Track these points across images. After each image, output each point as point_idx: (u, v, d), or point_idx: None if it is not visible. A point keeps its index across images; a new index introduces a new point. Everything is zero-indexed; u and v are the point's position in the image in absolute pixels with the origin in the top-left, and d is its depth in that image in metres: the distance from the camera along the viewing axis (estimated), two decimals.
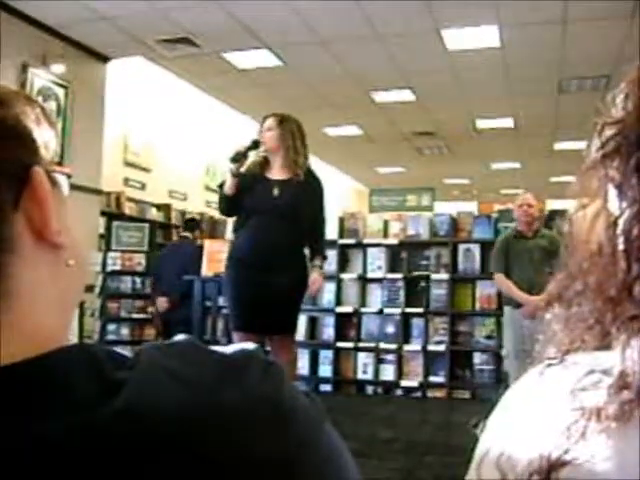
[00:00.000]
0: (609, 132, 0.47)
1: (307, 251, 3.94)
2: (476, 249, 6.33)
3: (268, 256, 3.66)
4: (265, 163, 3.85)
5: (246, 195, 3.76)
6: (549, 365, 0.49)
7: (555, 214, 5.97)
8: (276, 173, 3.81)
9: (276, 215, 3.69)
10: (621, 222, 0.45)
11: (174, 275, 6.08)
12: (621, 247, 0.45)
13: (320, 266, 3.92)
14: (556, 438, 0.43)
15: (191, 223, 7.12)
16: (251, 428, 0.46)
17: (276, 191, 3.74)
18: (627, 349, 0.44)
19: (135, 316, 7.45)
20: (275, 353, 3.83)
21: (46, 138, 0.54)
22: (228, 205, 3.87)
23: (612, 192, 0.46)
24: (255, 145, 3.82)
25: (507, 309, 4.98)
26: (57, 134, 0.57)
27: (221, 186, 3.90)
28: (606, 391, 0.43)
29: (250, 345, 0.52)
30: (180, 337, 0.54)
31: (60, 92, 6.85)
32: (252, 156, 3.87)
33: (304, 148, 3.87)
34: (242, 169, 3.81)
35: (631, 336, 0.44)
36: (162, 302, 6.28)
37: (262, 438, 0.46)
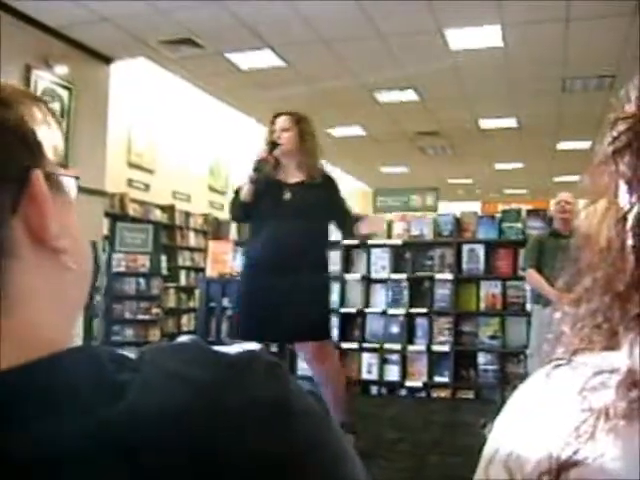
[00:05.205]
0: (621, 127, 0.46)
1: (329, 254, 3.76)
2: (480, 249, 6.32)
3: (284, 260, 3.46)
4: (276, 164, 3.63)
5: (260, 200, 3.57)
6: (557, 366, 0.49)
7: None
8: (289, 176, 3.62)
9: (288, 219, 3.49)
10: (630, 217, 0.44)
11: None
12: (630, 242, 0.44)
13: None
14: (565, 438, 0.43)
15: None
16: (255, 429, 0.46)
17: (287, 195, 3.55)
18: (635, 347, 0.43)
19: (140, 317, 7.47)
20: (314, 362, 3.62)
21: (54, 139, 0.53)
22: (244, 212, 3.65)
23: (622, 187, 0.46)
24: (274, 147, 3.58)
25: (536, 308, 4.92)
26: (62, 135, 0.57)
27: (237, 192, 3.68)
28: (614, 390, 0.43)
29: (253, 345, 0.52)
30: (184, 338, 0.53)
31: (64, 94, 6.86)
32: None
33: (317, 149, 3.68)
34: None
35: (639, 334, 0.43)
36: None
37: (267, 439, 0.46)
